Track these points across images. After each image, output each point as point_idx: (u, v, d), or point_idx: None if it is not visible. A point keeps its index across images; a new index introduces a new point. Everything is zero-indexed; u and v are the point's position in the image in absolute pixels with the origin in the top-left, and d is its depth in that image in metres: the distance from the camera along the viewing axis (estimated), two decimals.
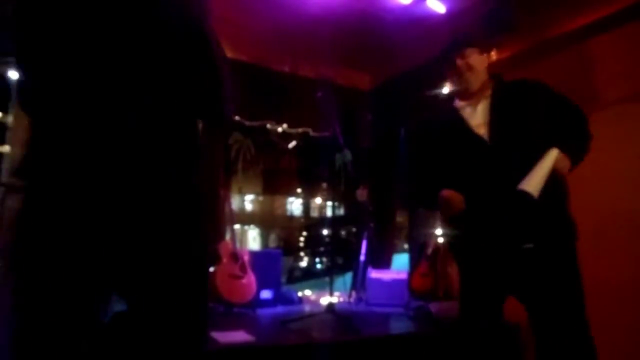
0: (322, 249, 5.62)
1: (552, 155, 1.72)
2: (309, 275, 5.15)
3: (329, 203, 4.38)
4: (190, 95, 1.10)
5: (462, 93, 1.94)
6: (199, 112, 1.14)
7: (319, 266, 5.57)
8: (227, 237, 3.89)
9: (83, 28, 1.01)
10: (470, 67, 1.88)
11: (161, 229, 1.00)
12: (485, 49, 1.95)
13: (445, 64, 1.96)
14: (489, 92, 1.89)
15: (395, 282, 3.79)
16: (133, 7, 1.04)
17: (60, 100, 1.00)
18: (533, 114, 1.78)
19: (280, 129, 4.51)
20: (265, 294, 3.61)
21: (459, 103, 1.96)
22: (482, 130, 1.82)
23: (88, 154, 0.97)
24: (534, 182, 1.69)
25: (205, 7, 1.18)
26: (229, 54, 4.51)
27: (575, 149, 1.76)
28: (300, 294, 3.95)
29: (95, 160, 0.96)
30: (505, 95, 1.87)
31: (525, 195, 1.68)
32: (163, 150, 1.03)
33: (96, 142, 0.97)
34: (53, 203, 0.96)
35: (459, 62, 1.89)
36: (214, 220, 1.14)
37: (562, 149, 1.71)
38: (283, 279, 4.84)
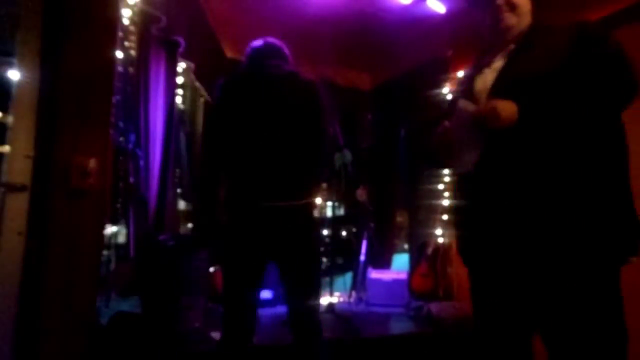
0: (322, 249, 5.61)
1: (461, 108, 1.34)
2: None
3: (329, 203, 4.37)
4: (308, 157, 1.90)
5: (493, 44, 1.49)
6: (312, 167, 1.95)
7: None
8: None
9: (251, 127, 1.87)
10: (513, 6, 1.41)
11: (294, 231, 1.85)
12: None
13: (478, 3, 1.48)
14: (513, 46, 1.42)
15: (395, 282, 3.78)
16: (279, 111, 1.87)
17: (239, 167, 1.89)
18: (554, 74, 1.26)
19: None
20: (265, 294, 3.61)
21: (483, 59, 1.51)
22: (483, 97, 1.39)
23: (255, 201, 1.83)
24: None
25: (323, 108, 1.96)
26: (229, 54, 4.49)
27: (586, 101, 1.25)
28: None
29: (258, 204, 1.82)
30: (530, 49, 1.36)
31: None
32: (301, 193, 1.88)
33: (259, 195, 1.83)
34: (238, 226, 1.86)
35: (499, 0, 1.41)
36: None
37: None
38: None
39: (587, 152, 1.25)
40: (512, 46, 1.42)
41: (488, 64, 1.47)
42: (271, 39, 2.06)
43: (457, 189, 1.55)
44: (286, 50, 2.06)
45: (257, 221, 1.82)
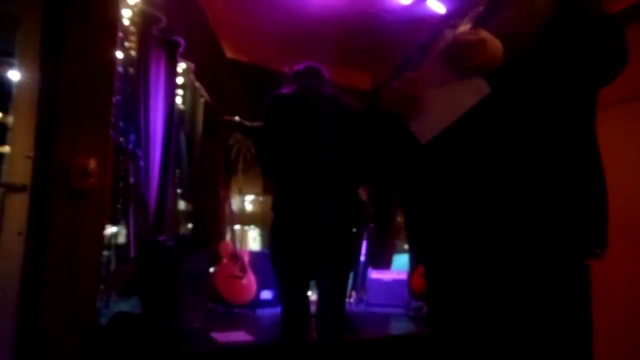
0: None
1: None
2: None
3: None
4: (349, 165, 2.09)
5: (458, 17, 1.38)
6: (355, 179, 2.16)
7: None
8: (227, 237, 3.89)
9: (296, 136, 2.04)
10: None
11: (330, 235, 2.00)
12: None
13: None
14: (482, 8, 1.30)
15: (395, 283, 3.78)
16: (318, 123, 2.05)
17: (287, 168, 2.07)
18: (533, 33, 1.11)
19: None
20: (265, 294, 3.61)
21: (450, 21, 1.39)
22: None
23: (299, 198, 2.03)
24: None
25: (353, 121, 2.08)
26: (230, 54, 4.48)
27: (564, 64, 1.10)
28: None
29: (303, 204, 2.02)
30: (502, 10, 1.22)
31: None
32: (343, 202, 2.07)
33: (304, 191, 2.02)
34: (285, 226, 2.08)
35: None
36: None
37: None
38: None
39: (560, 139, 1.09)
40: (481, 8, 1.28)
41: (452, 27, 1.30)
42: (311, 62, 2.22)
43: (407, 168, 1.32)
44: (326, 73, 2.21)
45: (303, 225, 1.99)
